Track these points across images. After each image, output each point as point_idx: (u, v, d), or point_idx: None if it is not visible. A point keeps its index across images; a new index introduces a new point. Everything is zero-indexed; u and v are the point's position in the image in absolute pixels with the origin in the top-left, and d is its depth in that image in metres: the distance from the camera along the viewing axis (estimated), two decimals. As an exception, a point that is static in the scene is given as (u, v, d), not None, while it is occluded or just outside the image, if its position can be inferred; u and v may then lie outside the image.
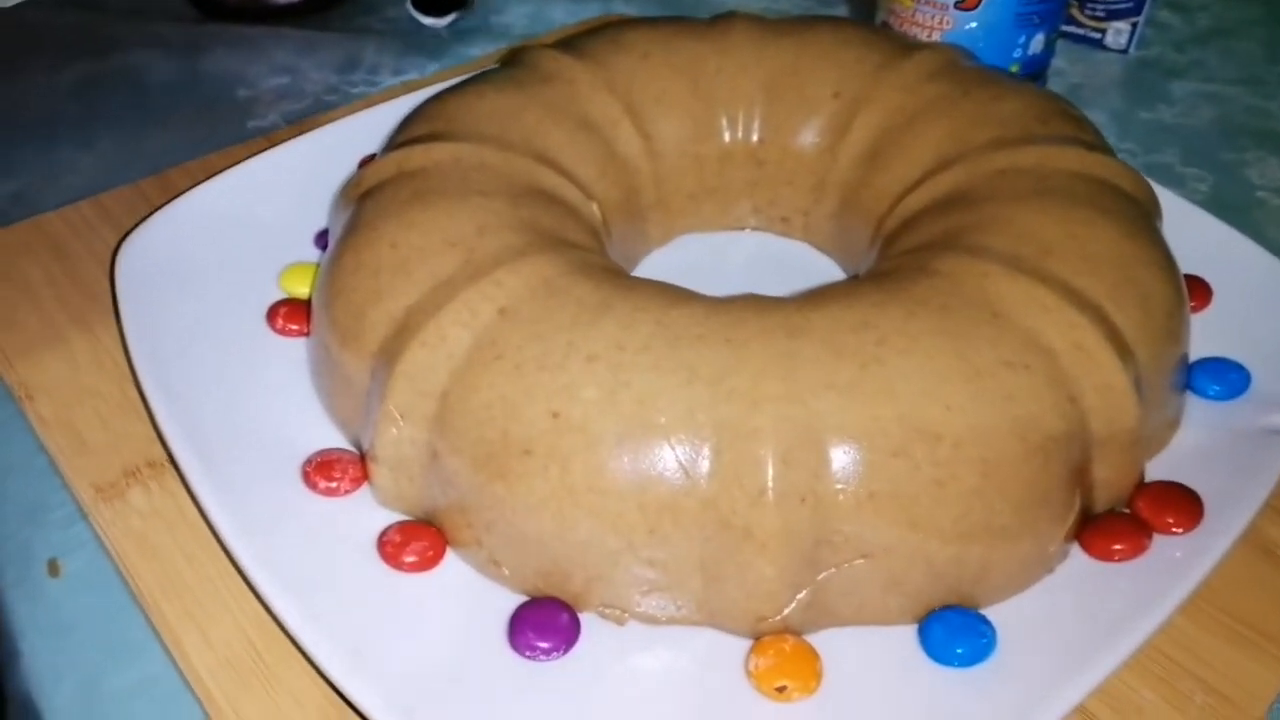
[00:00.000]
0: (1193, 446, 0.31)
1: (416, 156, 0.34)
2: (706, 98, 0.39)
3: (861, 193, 0.37)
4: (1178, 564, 0.27)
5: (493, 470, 0.27)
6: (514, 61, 0.40)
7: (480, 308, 0.28)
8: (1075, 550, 0.28)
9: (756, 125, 0.39)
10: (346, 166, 0.42)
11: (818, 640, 0.26)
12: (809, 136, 0.39)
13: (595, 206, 0.36)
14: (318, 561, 0.28)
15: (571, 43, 0.40)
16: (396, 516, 0.29)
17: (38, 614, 0.31)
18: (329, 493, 0.30)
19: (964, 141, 0.35)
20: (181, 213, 0.39)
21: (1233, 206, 0.46)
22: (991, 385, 0.26)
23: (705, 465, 0.25)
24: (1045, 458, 0.26)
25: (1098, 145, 0.35)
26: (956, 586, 0.27)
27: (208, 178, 0.41)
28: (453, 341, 0.28)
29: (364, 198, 0.34)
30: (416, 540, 0.28)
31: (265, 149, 0.43)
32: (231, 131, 0.51)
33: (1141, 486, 0.29)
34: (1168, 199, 0.39)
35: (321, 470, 0.30)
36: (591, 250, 0.32)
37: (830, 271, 0.40)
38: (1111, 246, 0.30)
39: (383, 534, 0.28)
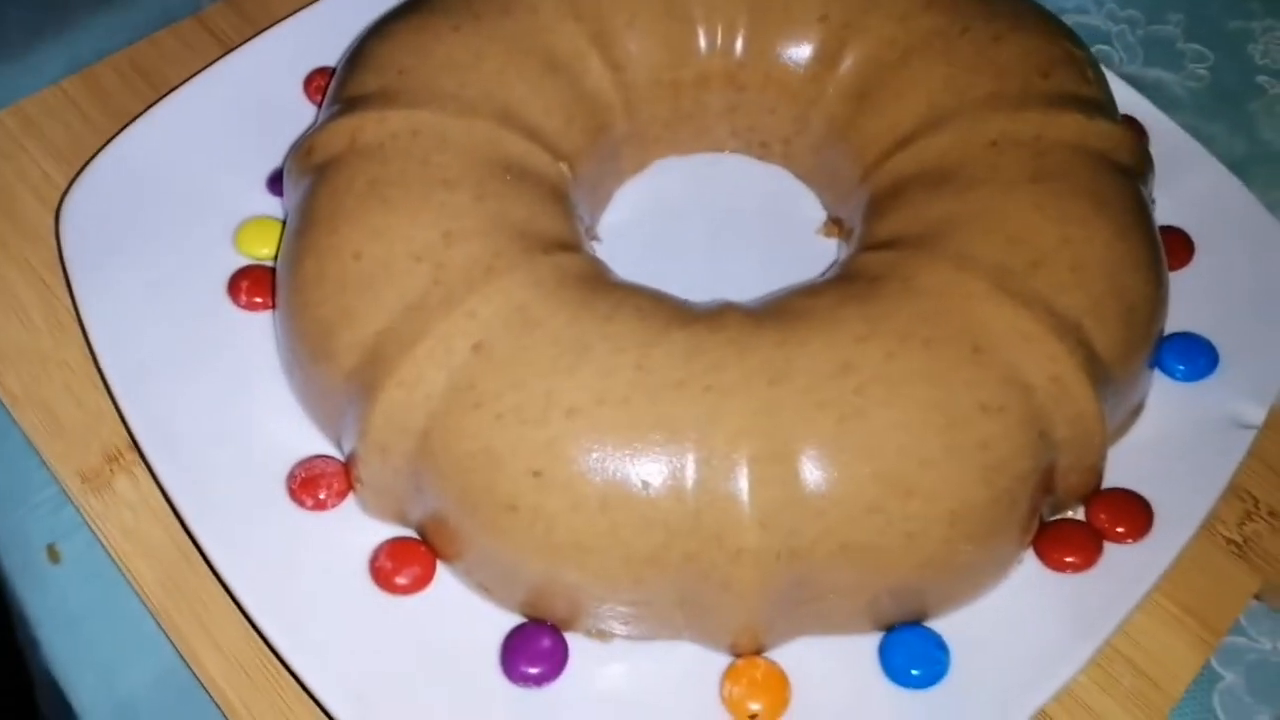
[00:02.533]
0: (1152, 437, 0.32)
1: (370, 127, 0.32)
2: (682, 16, 0.36)
3: (848, 132, 0.35)
4: (1127, 575, 0.29)
5: (478, 520, 0.27)
6: (469, -25, 0.36)
7: (455, 344, 0.28)
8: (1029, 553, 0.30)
9: (737, 47, 0.36)
10: (291, 84, 0.39)
11: (786, 655, 0.29)
12: (793, 63, 0.36)
13: (564, 166, 0.34)
14: (308, 584, 0.29)
15: (532, -49, 0.36)
16: (385, 526, 0.30)
17: (48, 602, 0.33)
18: (317, 507, 0.30)
19: (959, 93, 0.33)
20: (118, 162, 0.36)
21: (1230, 95, 0.44)
22: (967, 435, 0.27)
23: (686, 524, 0.26)
24: (1011, 498, 0.27)
25: (1097, 103, 0.33)
26: (916, 604, 0.28)
27: (134, 69, 0.39)
28: (429, 382, 0.28)
29: (318, 174, 0.32)
30: (408, 565, 0.29)
31: (194, 30, 0.39)
32: (156, 5, 0.46)
33: (1097, 492, 0.30)
34: (1164, 132, 0.38)
35: (307, 487, 0.30)
36: (564, 239, 0.31)
37: (809, 207, 0.38)
38: (1103, 251, 0.30)
39: (374, 557, 0.29)
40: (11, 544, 0.34)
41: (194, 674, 0.31)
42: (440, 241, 0.29)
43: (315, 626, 0.28)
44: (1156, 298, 0.30)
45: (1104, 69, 0.36)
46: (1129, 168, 0.32)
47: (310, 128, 0.35)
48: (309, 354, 0.30)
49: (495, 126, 0.32)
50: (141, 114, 0.37)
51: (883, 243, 0.32)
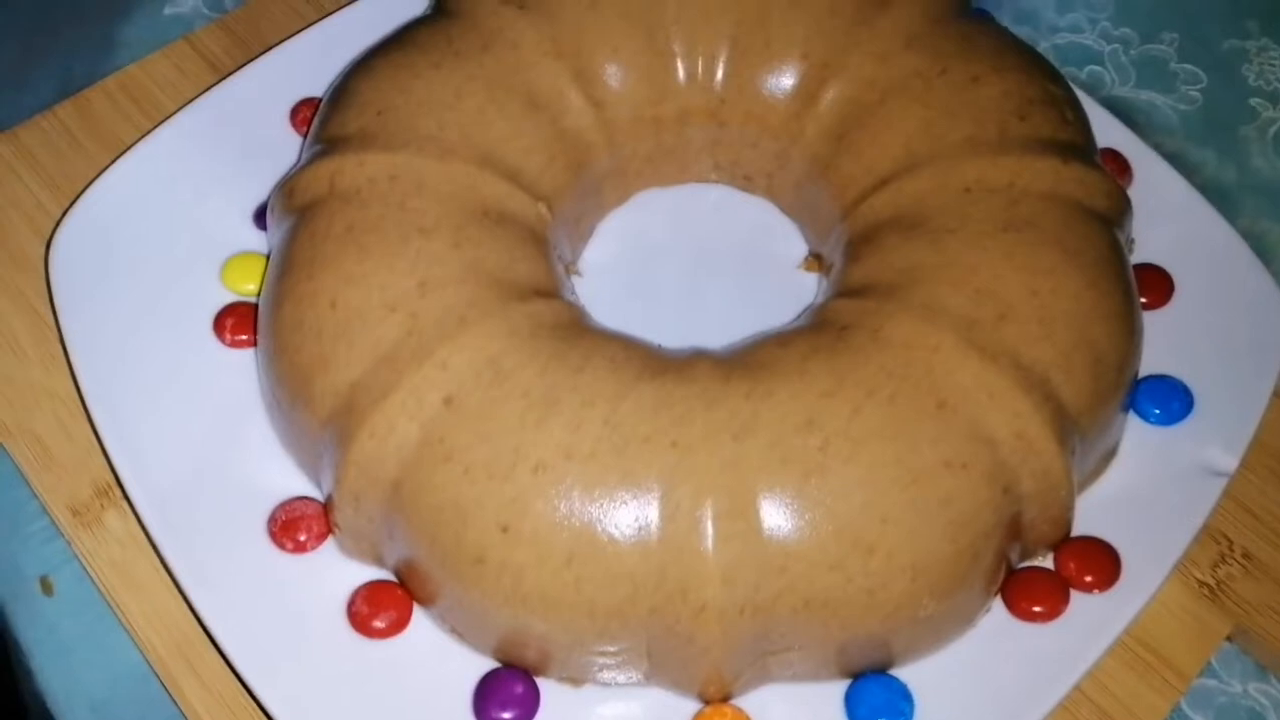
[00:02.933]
0: (1124, 483, 0.32)
1: (349, 171, 0.32)
2: (663, 51, 0.36)
3: (828, 171, 0.36)
4: (1094, 624, 0.29)
5: (447, 571, 0.28)
6: (452, 10, 0.36)
7: (426, 396, 0.28)
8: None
9: (717, 83, 0.36)
10: (277, 115, 0.39)
11: (753, 701, 0.29)
12: (774, 100, 0.36)
13: (543, 207, 0.34)
14: (286, 626, 0.30)
15: (513, -18, 0.36)
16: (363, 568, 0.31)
17: (40, 633, 0.34)
18: (297, 550, 0.31)
19: (936, 138, 0.33)
20: (107, 196, 0.37)
21: (1222, 119, 0.43)
22: (929, 491, 0.27)
23: (651, 579, 0.27)
24: (975, 553, 0.28)
25: (1074, 147, 0.33)
26: (881, 653, 0.29)
27: (124, 94, 0.40)
28: (400, 434, 0.28)
29: (299, 216, 0.33)
30: (384, 609, 0.30)
31: (184, 52, 0.40)
32: (146, 23, 0.46)
33: (1066, 540, 0.31)
34: (1149, 166, 0.38)
35: (287, 530, 0.31)
36: (540, 286, 0.31)
37: (791, 242, 0.38)
38: (1071, 303, 0.30)
39: (351, 601, 0.30)
40: (5, 573, 0.35)
41: (179, 710, 0.31)
42: (415, 290, 0.30)
43: (292, 670, 0.29)
44: (1127, 348, 0.31)
45: (1092, 96, 0.36)
46: (1104, 213, 0.32)
47: (293, 167, 0.35)
48: (288, 399, 0.31)
49: (474, 169, 0.33)
50: (130, 147, 0.38)
51: (855, 289, 0.32)
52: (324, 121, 0.35)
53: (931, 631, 0.29)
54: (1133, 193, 0.37)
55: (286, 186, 0.33)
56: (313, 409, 0.30)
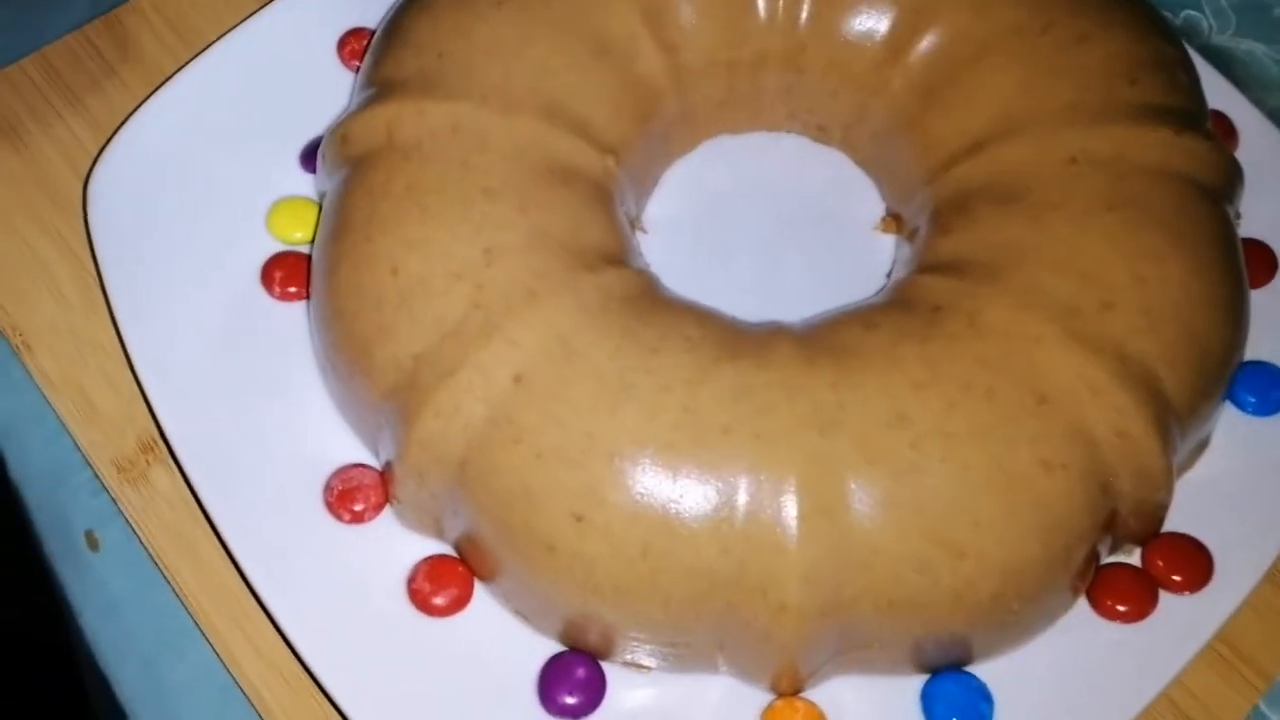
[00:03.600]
0: (1216, 475, 0.31)
1: (408, 121, 0.30)
2: (743, -7, 0.33)
3: (913, 128, 0.33)
4: (1182, 627, 0.28)
5: (515, 555, 0.27)
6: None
7: (494, 374, 0.27)
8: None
9: (800, 26, 0.34)
10: (324, 47, 0.37)
11: (826, 694, 0.28)
12: (858, 48, 0.34)
13: (610, 160, 0.32)
14: (343, 601, 0.29)
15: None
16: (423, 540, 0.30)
17: (88, 590, 0.33)
18: (354, 520, 0.30)
19: (1037, 100, 0.31)
20: (143, 136, 0.35)
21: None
22: (1024, 493, 0.26)
23: (729, 574, 0.26)
24: (1067, 556, 0.27)
25: (1187, 114, 0.30)
26: (961, 650, 0.28)
27: (157, 12, 0.38)
28: (467, 413, 0.27)
29: (353, 167, 0.31)
30: (445, 586, 0.29)
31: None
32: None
33: (1155, 535, 0.29)
34: (1256, 130, 0.35)
35: (344, 500, 0.30)
36: (610, 251, 0.30)
37: (866, 199, 0.36)
38: (1179, 291, 0.28)
39: (411, 577, 0.29)
40: (52, 527, 0.34)
41: (233, 677, 0.31)
42: (480, 259, 0.28)
43: (350, 646, 0.28)
44: (1233, 341, 0.29)
45: (1190, 50, 0.34)
46: (1215, 188, 0.30)
47: (346, 109, 0.33)
48: (345, 366, 0.29)
49: (540, 123, 0.30)
50: (166, 81, 0.36)
51: (946, 264, 0.30)
52: (378, 60, 0.32)
53: (1015, 631, 0.28)
54: (1239, 159, 0.34)
55: (339, 132, 0.31)
56: (373, 380, 0.28)
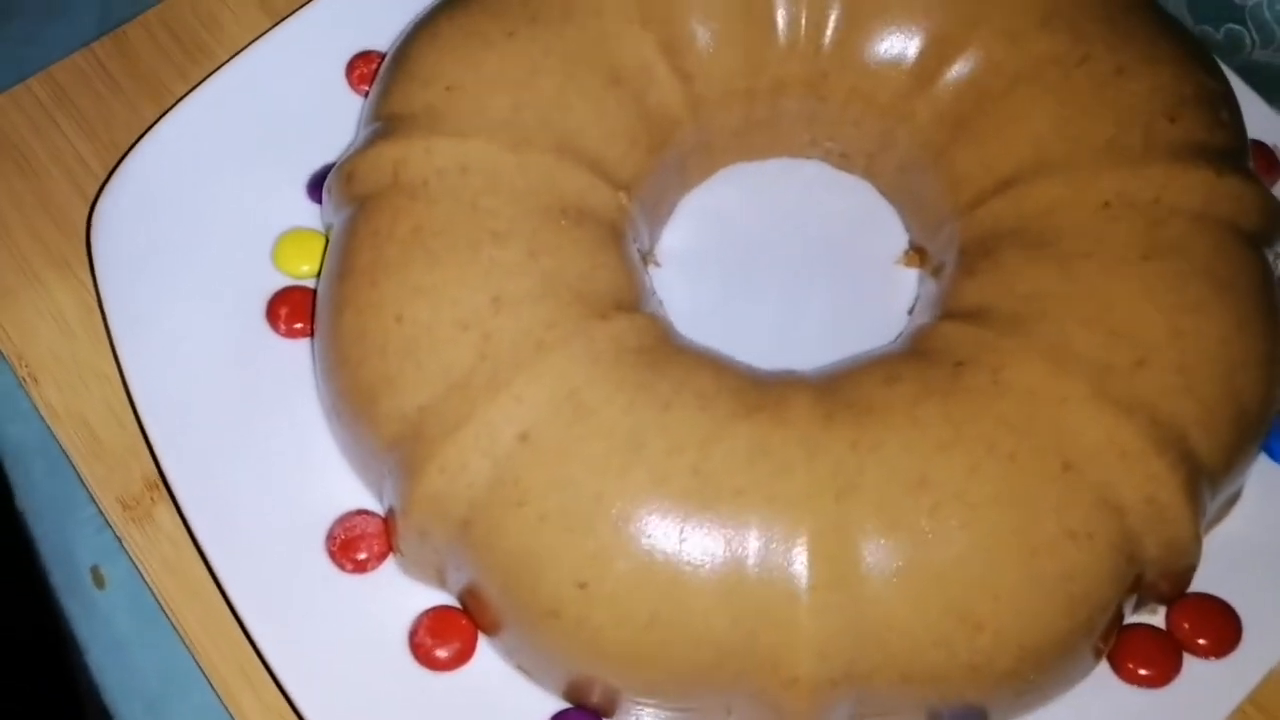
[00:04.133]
0: (1247, 531, 0.29)
1: (416, 160, 0.29)
2: (763, 15, 0.32)
3: (940, 160, 0.32)
4: (1207, 693, 0.27)
5: (519, 619, 0.26)
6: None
7: (500, 432, 0.26)
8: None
9: (823, 52, 0.33)
10: (333, 71, 0.36)
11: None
12: (885, 77, 0.32)
13: (623, 196, 0.31)
14: (344, 653, 0.28)
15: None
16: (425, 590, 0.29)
17: (94, 627, 0.33)
18: (356, 570, 0.29)
19: (1071, 139, 0.29)
20: (149, 163, 0.34)
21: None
22: (1048, 565, 0.25)
23: (740, 646, 0.25)
24: (1089, 626, 0.26)
25: (1229, 153, 0.29)
26: (977, 715, 0.27)
27: (165, 29, 0.38)
28: (473, 471, 0.26)
29: (359, 206, 0.30)
30: (448, 640, 0.28)
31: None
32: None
33: (1181, 595, 0.28)
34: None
35: (347, 550, 0.29)
36: (622, 297, 0.29)
37: (889, 231, 0.35)
38: (1218, 347, 0.27)
39: (413, 630, 0.28)
40: (58, 561, 0.34)
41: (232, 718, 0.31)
42: (488, 307, 0.27)
43: (348, 698, 0.28)
44: (1272, 396, 0.27)
45: (1227, 62, 0.32)
46: (1256, 233, 0.29)
47: (352, 144, 0.32)
48: (349, 414, 0.29)
49: (551, 160, 0.29)
50: (173, 106, 0.35)
51: (970, 311, 0.29)
52: (384, 93, 0.31)
53: (1033, 698, 0.27)
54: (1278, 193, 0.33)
55: (345, 169, 0.30)
56: (377, 429, 0.28)
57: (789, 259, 0.35)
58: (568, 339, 0.27)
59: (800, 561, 0.25)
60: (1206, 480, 0.26)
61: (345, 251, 0.29)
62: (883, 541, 0.25)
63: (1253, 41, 0.41)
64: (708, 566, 0.25)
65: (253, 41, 0.36)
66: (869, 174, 0.35)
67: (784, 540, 0.25)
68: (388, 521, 0.29)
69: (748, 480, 0.25)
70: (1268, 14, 0.41)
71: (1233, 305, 0.27)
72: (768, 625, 0.25)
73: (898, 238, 0.35)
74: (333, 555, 0.29)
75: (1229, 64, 0.41)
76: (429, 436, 0.27)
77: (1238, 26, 0.41)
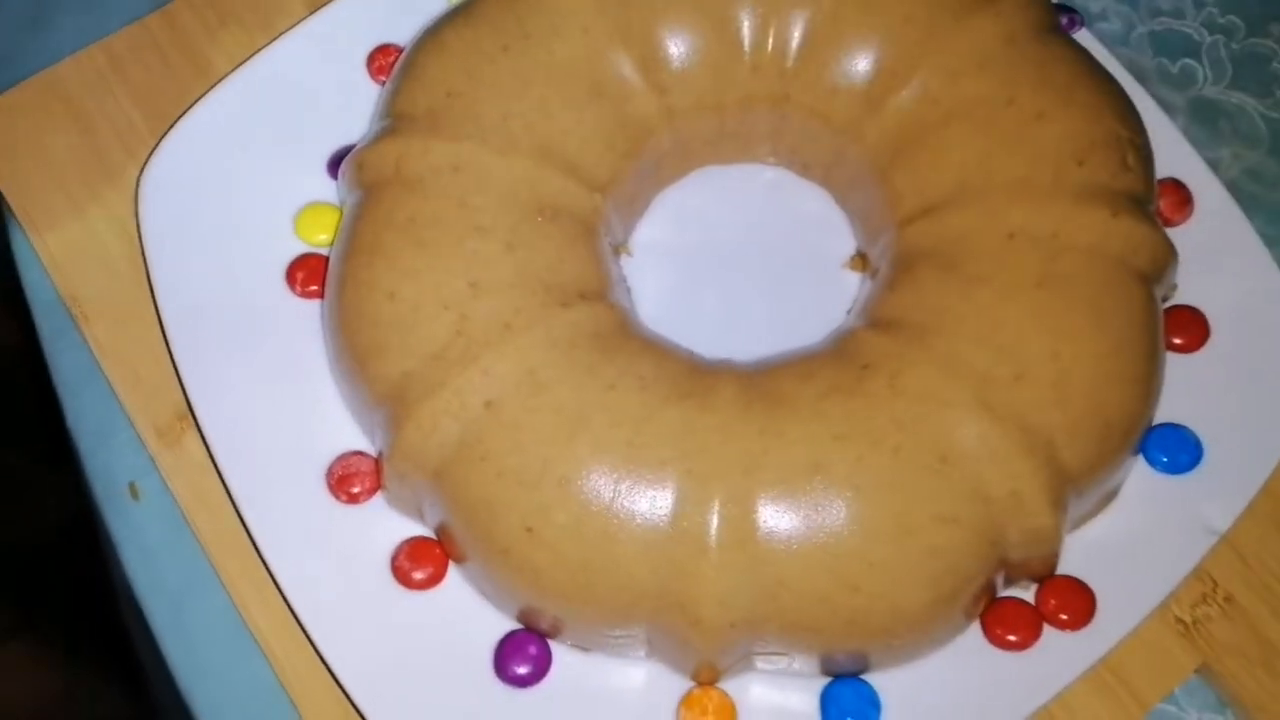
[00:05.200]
0: (1118, 525, 0.34)
1: (414, 157, 0.34)
2: (732, 41, 0.36)
3: (882, 180, 0.36)
4: (1063, 658, 0.32)
5: (477, 553, 0.31)
6: (526, -17, 0.36)
7: (469, 399, 0.31)
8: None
9: (785, 75, 0.36)
10: (355, 57, 0.40)
11: (740, 687, 0.33)
12: (839, 99, 0.36)
13: (598, 197, 0.35)
14: (336, 571, 0.33)
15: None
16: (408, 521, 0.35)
17: (128, 533, 0.39)
18: (350, 501, 0.35)
19: (989, 173, 0.33)
20: (191, 137, 0.39)
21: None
22: (918, 543, 0.29)
23: (654, 590, 0.30)
24: (954, 597, 0.30)
25: (1129, 196, 0.33)
26: (860, 662, 0.32)
27: (210, 6, 0.42)
28: (443, 431, 0.31)
29: (366, 193, 0.34)
30: (423, 564, 0.33)
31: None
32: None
33: (1049, 576, 0.33)
34: (1212, 201, 0.37)
35: (343, 483, 0.34)
36: (586, 288, 0.33)
37: (840, 236, 0.39)
38: (1091, 368, 0.31)
39: (395, 554, 0.34)
40: (100, 475, 0.39)
41: (243, 620, 0.36)
42: (467, 291, 0.32)
43: (337, 607, 0.33)
44: (1140, 414, 0.32)
45: (1181, 94, 0.35)
46: (1145, 271, 0.32)
47: (365, 135, 0.36)
48: (347, 371, 0.34)
49: (533, 165, 0.34)
50: (213, 87, 0.40)
51: (884, 320, 0.33)
52: (395, 92, 0.36)
53: (906, 651, 0.32)
54: (1190, 228, 0.37)
55: (357, 159, 0.35)
56: (368, 388, 0.33)
57: (748, 255, 0.39)
58: (531, 324, 0.31)
59: (710, 524, 0.29)
60: (1069, 482, 0.31)
61: (351, 233, 0.34)
62: (779, 512, 0.29)
63: (1205, 78, 0.44)
64: (633, 523, 0.30)
65: (285, 31, 0.40)
66: (826, 183, 0.39)
67: (697, 506, 0.29)
68: (378, 462, 0.34)
69: (672, 454, 0.30)
70: (1223, 52, 0.44)
71: (1111, 333, 0.31)
72: (679, 575, 0.30)
73: (847, 243, 0.39)
74: (331, 487, 0.35)
75: (1182, 97, 0.44)
76: (410, 399, 0.32)
77: (1193, 62, 0.44)
